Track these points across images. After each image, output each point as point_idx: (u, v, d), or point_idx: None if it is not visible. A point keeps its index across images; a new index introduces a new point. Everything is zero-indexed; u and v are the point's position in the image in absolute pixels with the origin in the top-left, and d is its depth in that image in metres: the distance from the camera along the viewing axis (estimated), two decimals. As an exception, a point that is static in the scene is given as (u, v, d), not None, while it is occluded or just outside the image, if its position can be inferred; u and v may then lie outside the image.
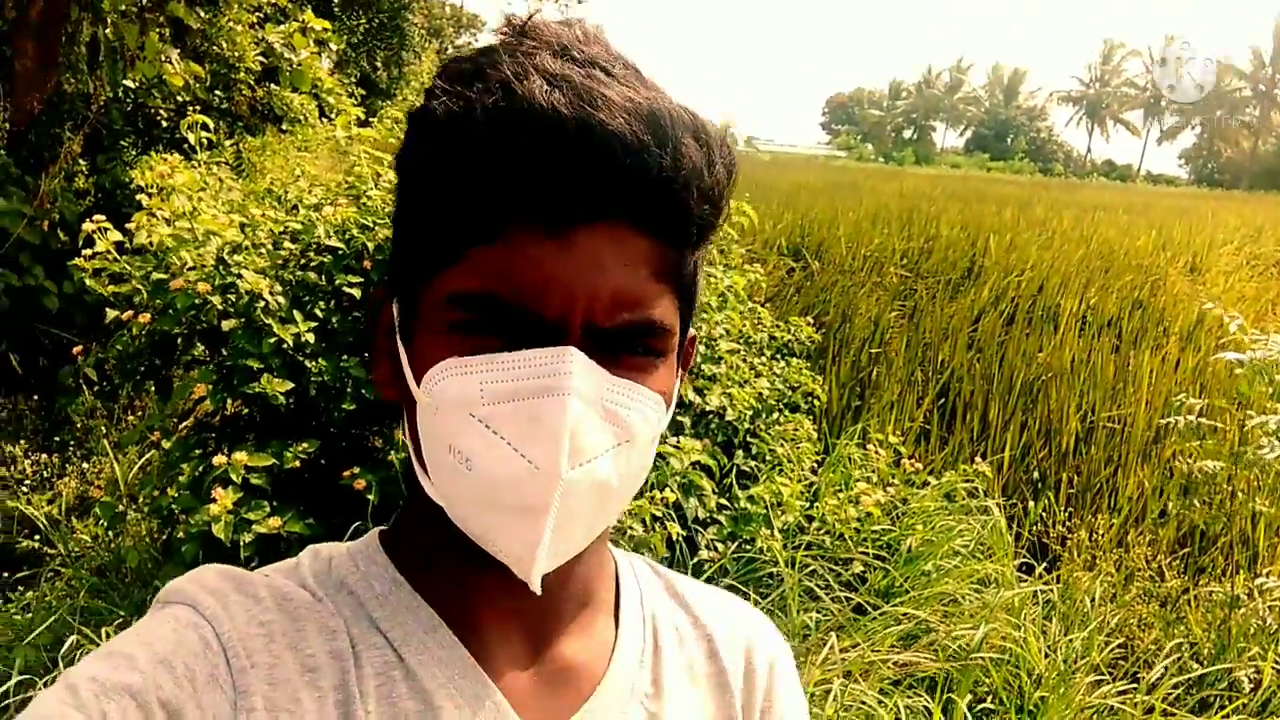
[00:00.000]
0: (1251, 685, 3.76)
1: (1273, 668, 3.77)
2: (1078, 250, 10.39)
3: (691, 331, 0.72)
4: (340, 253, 3.24)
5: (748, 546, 3.62)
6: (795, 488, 3.66)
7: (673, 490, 3.44)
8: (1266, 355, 4.43)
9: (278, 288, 3.05)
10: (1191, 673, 3.81)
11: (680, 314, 0.64)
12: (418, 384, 0.60)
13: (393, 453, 3.10)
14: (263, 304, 3.01)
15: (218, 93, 8.04)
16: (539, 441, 0.56)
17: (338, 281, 3.18)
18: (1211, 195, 37.61)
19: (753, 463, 4.09)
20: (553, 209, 0.56)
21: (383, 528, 0.71)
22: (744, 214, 4.33)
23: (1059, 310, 7.83)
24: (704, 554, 3.52)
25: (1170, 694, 3.64)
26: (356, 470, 3.05)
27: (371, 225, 3.29)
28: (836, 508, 3.82)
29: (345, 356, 3.17)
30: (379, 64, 16.97)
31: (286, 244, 3.27)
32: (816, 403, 4.89)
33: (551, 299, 0.57)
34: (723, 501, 3.75)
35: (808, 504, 3.97)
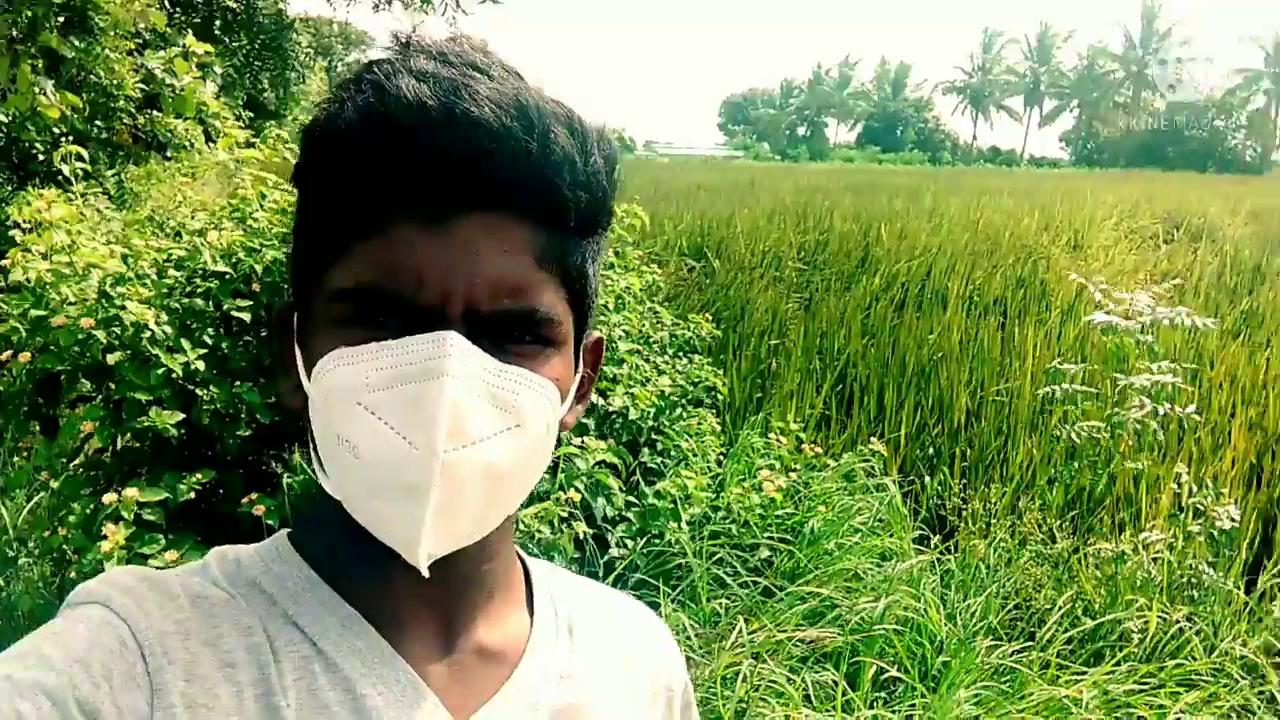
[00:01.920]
0: (1139, 634, 3.99)
1: (1158, 616, 4.00)
2: (964, 235, 10.77)
3: (597, 333, 0.74)
4: (228, 276, 3.21)
5: (657, 540, 3.70)
6: (700, 480, 3.75)
7: (580, 490, 3.50)
8: (1132, 319, 4.69)
9: (164, 317, 3.01)
10: (1084, 627, 4.02)
11: (570, 304, 0.65)
12: (309, 380, 0.62)
13: (288, 476, 3.08)
14: (149, 334, 2.96)
15: (98, 122, 7.80)
16: (419, 423, 0.57)
17: (226, 306, 3.15)
18: (1091, 175, 39.27)
19: (659, 459, 4.17)
20: (427, 199, 0.58)
21: (289, 529, 0.72)
22: (636, 216, 4.41)
23: (947, 292, 8.12)
24: (614, 551, 3.59)
25: (1064, 649, 3.84)
26: (255, 497, 3.03)
27: (258, 247, 3.27)
28: (741, 496, 3.92)
29: (238, 382, 3.14)
30: (265, 85, 16.64)
31: (171, 272, 3.22)
32: (719, 396, 5.00)
33: (430, 287, 0.58)
34: (631, 499, 3.82)
35: (714, 495, 4.06)
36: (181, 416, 2.98)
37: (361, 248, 0.59)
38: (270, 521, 2.97)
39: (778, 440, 4.61)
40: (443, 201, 0.58)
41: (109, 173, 7.42)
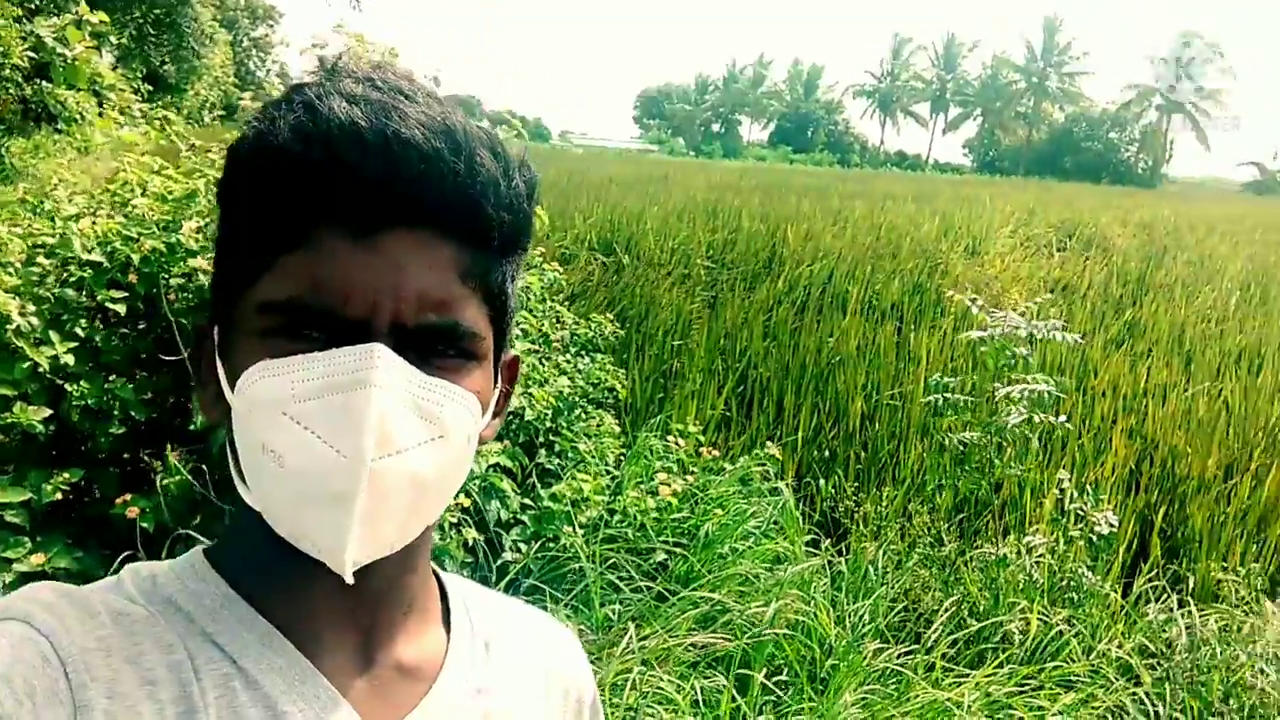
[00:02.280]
0: (1021, 636, 4.11)
1: (1039, 619, 4.14)
2: (867, 238, 10.97)
3: (514, 352, 0.77)
4: (102, 266, 3.05)
5: (552, 545, 3.67)
6: (595, 483, 3.73)
7: (472, 494, 3.44)
8: (1002, 331, 4.87)
9: (30, 307, 2.85)
10: (968, 629, 4.13)
11: (491, 321, 0.67)
12: (233, 392, 0.63)
13: (164, 476, 2.95)
14: (14, 326, 2.80)
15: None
16: (346, 431, 0.58)
17: (100, 297, 3.00)
18: (992, 182, 40.47)
19: (556, 461, 4.13)
20: (356, 215, 0.60)
21: (205, 546, 0.72)
22: (537, 216, 4.35)
23: (847, 297, 8.26)
24: (508, 555, 3.54)
25: (948, 651, 3.93)
26: (129, 497, 2.90)
27: (136, 236, 3.12)
28: (637, 499, 3.91)
29: (112, 377, 2.99)
30: (165, 59, 15.99)
31: (40, 259, 3.05)
32: (620, 396, 4.98)
33: (357, 300, 0.60)
34: (526, 501, 3.77)
35: (611, 498, 4.04)
36: (49, 413, 2.83)
37: (289, 262, 0.61)
38: (144, 524, 2.84)
39: (676, 442, 4.61)
40: (371, 218, 0.60)
41: (-11, 147, 7.02)
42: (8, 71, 7.51)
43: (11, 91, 7.73)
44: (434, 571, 0.79)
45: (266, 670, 0.64)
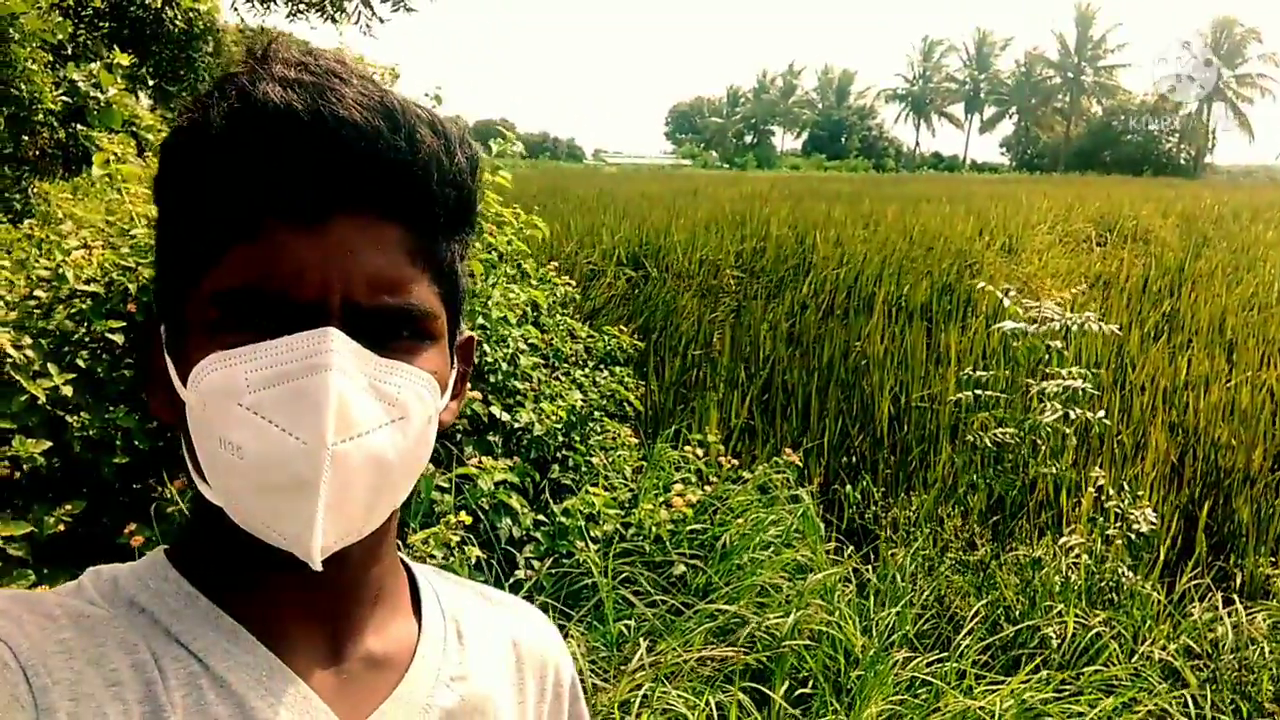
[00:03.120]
0: (1058, 640, 3.97)
1: (1076, 621, 3.99)
2: (899, 240, 10.83)
3: (470, 333, 0.76)
4: (100, 296, 3.06)
5: (566, 561, 3.60)
6: (605, 497, 3.66)
7: (481, 512, 3.39)
8: (1042, 325, 4.71)
9: (26, 340, 2.86)
10: (1002, 633, 3.99)
11: (443, 300, 0.66)
12: (185, 388, 0.61)
13: (171, 506, 2.94)
14: (11, 360, 2.81)
15: (24, 138, 7.52)
16: (304, 417, 0.57)
17: (98, 328, 3.00)
18: (1029, 179, 39.92)
19: (570, 476, 4.07)
20: (299, 200, 0.59)
21: (166, 546, 0.71)
22: (535, 227, 4.31)
23: (873, 299, 8.12)
24: (521, 573, 3.48)
25: (980, 658, 3.80)
26: (134, 527, 2.89)
27: (134, 265, 3.12)
28: (652, 512, 3.84)
29: (112, 407, 2.99)
30: (187, 95, 16.27)
31: (39, 292, 3.07)
32: (635, 408, 4.91)
33: (308, 285, 0.59)
34: (540, 518, 3.71)
35: (626, 511, 3.97)
36: (49, 445, 2.83)
37: (234, 251, 0.60)
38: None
39: (694, 453, 4.53)
40: (315, 202, 0.59)
41: (15, 191, 7.15)
42: (41, 116, 7.65)
43: (45, 135, 7.88)
44: (402, 561, 0.78)
45: (234, 667, 0.63)
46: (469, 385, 0.81)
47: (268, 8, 7.53)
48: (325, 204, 0.59)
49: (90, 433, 2.94)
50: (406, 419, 0.62)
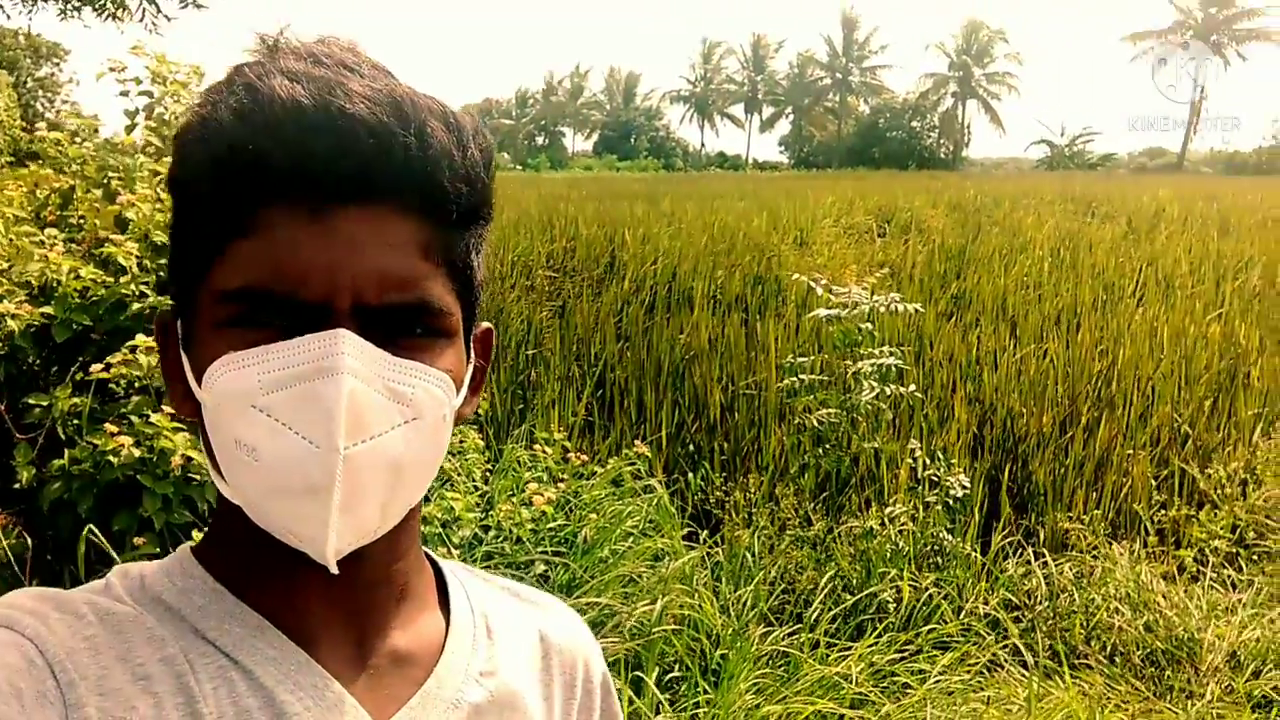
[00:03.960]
0: (895, 604, 4.25)
1: (909, 585, 4.28)
2: (702, 236, 11.17)
3: (486, 324, 0.75)
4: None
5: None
6: (465, 500, 3.62)
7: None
8: (849, 310, 5.04)
9: None
10: (845, 603, 4.23)
11: (458, 295, 0.66)
12: (200, 387, 0.61)
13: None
14: None
15: None
16: (316, 420, 0.57)
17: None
18: (810, 176, 41.97)
19: (421, 483, 3.99)
20: (306, 196, 0.58)
21: (192, 544, 0.71)
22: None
23: (692, 293, 8.37)
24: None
25: (830, 627, 4.02)
26: None
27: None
28: (511, 512, 3.82)
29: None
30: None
31: None
32: (480, 412, 4.86)
33: (316, 284, 0.58)
34: (394, 528, 3.62)
35: (483, 514, 3.94)
36: None
37: (242, 248, 0.59)
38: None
39: (543, 451, 4.54)
40: (322, 198, 0.59)
41: None
42: None
43: None
44: (428, 556, 0.78)
45: (261, 662, 0.63)
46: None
47: (35, 6, 6.88)
48: (330, 200, 0.59)
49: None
50: (420, 419, 0.62)
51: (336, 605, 0.67)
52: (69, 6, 6.76)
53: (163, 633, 0.62)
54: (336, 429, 0.57)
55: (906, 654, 3.83)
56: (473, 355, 0.72)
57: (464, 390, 0.68)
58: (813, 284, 5.93)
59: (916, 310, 5.59)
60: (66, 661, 0.58)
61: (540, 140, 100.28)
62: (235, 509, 0.63)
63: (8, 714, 0.53)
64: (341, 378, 0.57)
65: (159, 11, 6.91)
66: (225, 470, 0.62)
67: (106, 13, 6.82)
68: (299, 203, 0.59)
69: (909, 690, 3.56)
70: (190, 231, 0.64)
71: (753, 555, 4.36)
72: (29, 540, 2.92)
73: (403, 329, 0.62)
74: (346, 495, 0.58)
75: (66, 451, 2.83)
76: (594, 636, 0.88)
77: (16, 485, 2.84)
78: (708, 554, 4.30)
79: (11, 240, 3.23)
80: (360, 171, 0.59)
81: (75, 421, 2.95)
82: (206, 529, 0.72)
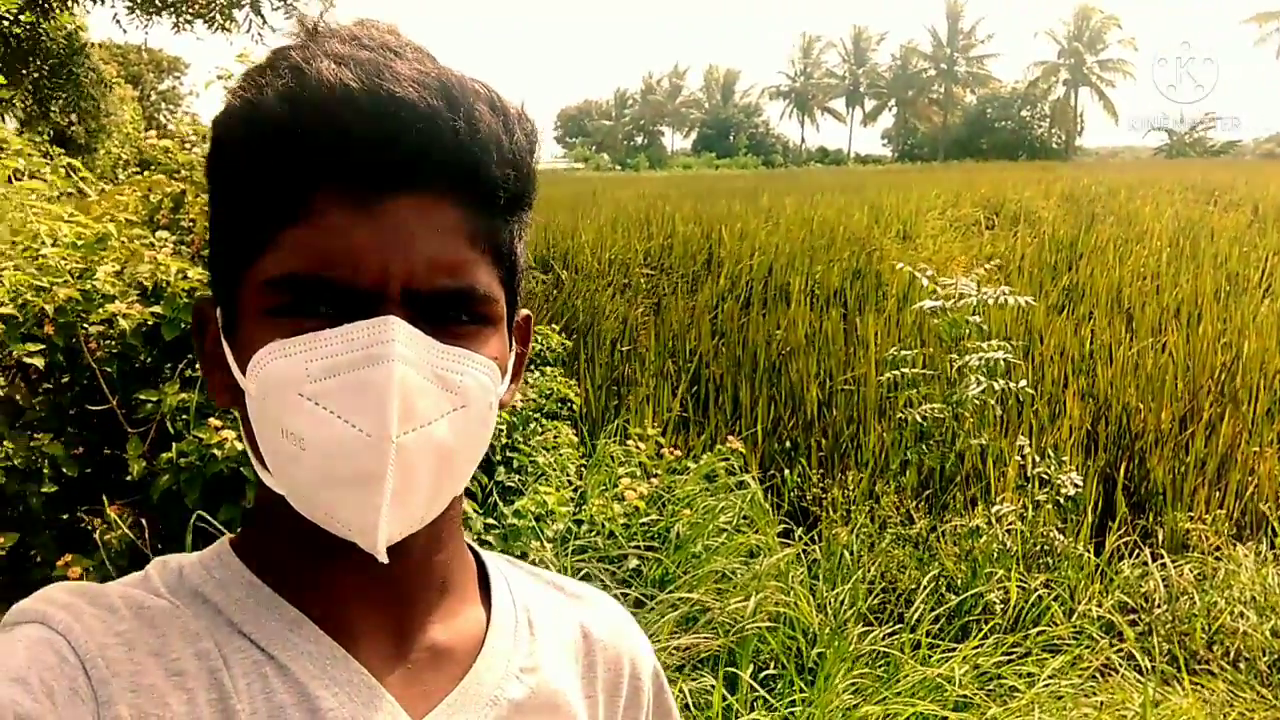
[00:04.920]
0: (1002, 605, 4.09)
1: (1018, 586, 4.12)
2: (801, 231, 11.02)
3: (526, 311, 0.74)
4: (14, 319, 2.88)
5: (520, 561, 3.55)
6: (558, 495, 3.62)
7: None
8: (955, 302, 4.86)
9: (-61, 368, 2.67)
10: (948, 603, 4.09)
11: (502, 282, 0.65)
12: (244, 375, 0.60)
13: (104, 533, 2.79)
14: (-77, 388, 2.63)
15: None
16: (368, 409, 0.56)
17: (15, 351, 2.83)
18: (914, 169, 41.15)
19: (516, 477, 4.02)
20: (356, 182, 0.57)
21: (232, 535, 0.70)
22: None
23: (789, 288, 8.25)
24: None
25: (933, 628, 3.89)
26: (70, 558, 2.74)
27: (48, 285, 2.95)
28: (603, 507, 3.81)
29: (36, 435, 2.83)
30: (70, 117, 15.54)
31: (-54, 317, 2.87)
32: (574, 407, 4.88)
33: (366, 270, 0.57)
34: (490, 521, 3.65)
35: (576, 508, 3.94)
36: (-29, 477, 2.66)
37: (290, 235, 0.58)
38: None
39: (636, 446, 4.52)
40: (373, 184, 0.57)
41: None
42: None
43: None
44: (471, 549, 0.77)
45: (296, 656, 0.62)
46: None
47: (151, 20, 7.21)
48: (381, 186, 0.58)
49: (14, 462, 2.77)
50: (468, 406, 0.61)
51: (376, 598, 0.66)
52: (181, 20, 7.06)
53: (198, 627, 0.62)
54: (389, 417, 0.56)
55: (1014, 656, 3.68)
56: (514, 342, 0.70)
57: (507, 378, 0.67)
58: (917, 274, 5.76)
59: (1027, 303, 5.37)
60: (98, 657, 0.57)
61: (639, 140, 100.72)
62: (275, 500, 0.63)
63: (39, 712, 0.53)
64: (393, 365, 0.56)
65: (264, 22, 7.17)
66: (270, 460, 0.61)
67: (216, 24, 7.10)
68: (347, 189, 0.57)
69: (1016, 694, 3.42)
70: (234, 218, 0.63)
71: (851, 553, 4.26)
72: (145, 528, 3.03)
73: (449, 316, 0.61)
74: (398, 484, 0.57)
75: (175, 445, 2.92)
76: (644, 633, 0.85)
77: (129, 477, 2.95)
78: (804, 551, 4.22)
79: (124, 243, 3.36)
80: (410, 157, 0.58)
81: (184, 416, 3.04)
82: (246, 522, 0.71)
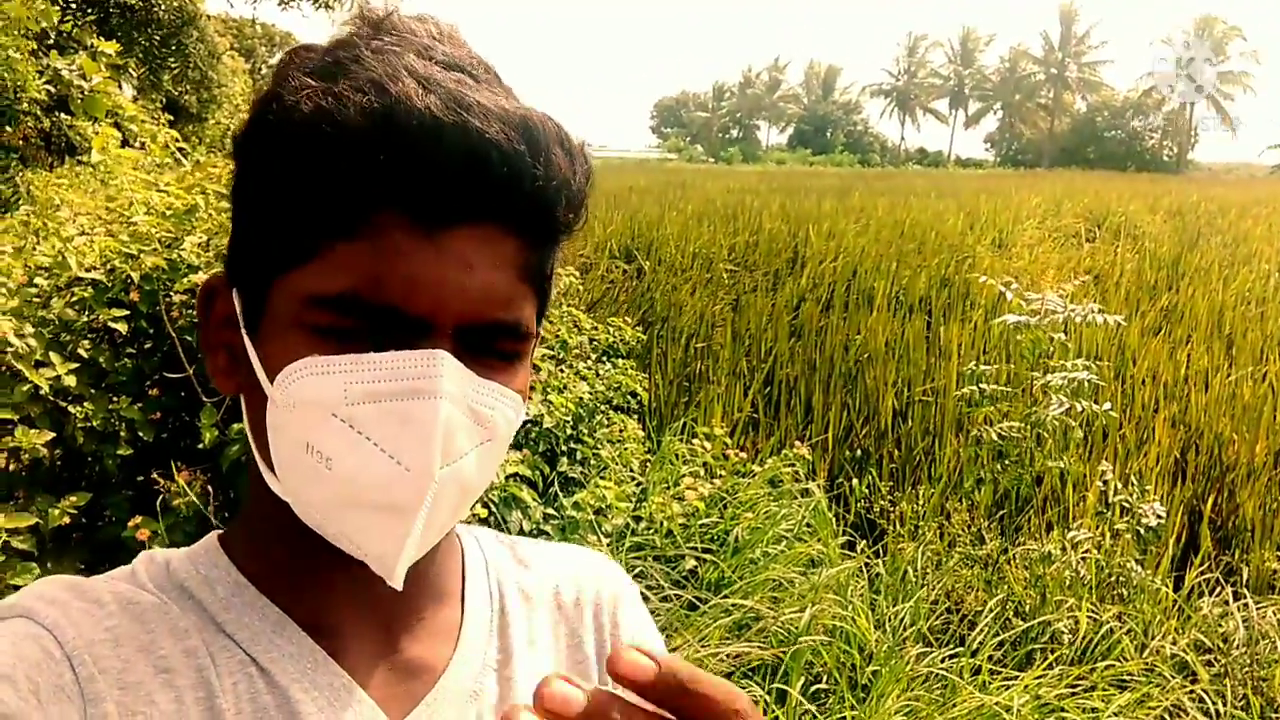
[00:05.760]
0: (1070, 635, 3.94)
1: (1088, 616, 3.96)
2: (891, 234, 10.81)
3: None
4: (102, 285, 2.98)
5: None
6: (617, 490, 3.61)
7: (491, 505, 3.33)
8: (1045, 317, 4.68)
9: (28, 329, 2.77)
10: (1014, 629, 3.96)
11: (537, 314, 0.65)
12: (270, 380, 0.59)
13: (174, 498, 2.86)
14: (13, 349, 2.72)
15: (6, 128, 7.37)
16: (410, 443, 0.56)
17: (101, 316, 2.92)
18: (1016, 175, 40.08)
19: (579, 469, 4.02)
20: (425, 210, 0.57)
21: (220, 530, 0.70)
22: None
23: (873, 292, 8.09)
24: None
25: (995, 654, 3.77)
26: (139, 520, 2.82)
27: (136, 253, 3.04)
28: (663, 505, 3.79)
29: (115, 398, 2.91)
30: (185, 89, 16.10)
31: (39, 280, 2.98)
32: (641, 401, 4.86)
33: (421, 298, 0.57)
34: (549, 511, 3.65)
35: (636, 504, 3.92)
36: (52, 435, 2.75)
37: (342, 250, 0.57)
38: (157, 547, 2.75)
39: (702, 446, 4.48)
40: (441, 212, 0.57)
41: (3, 180, 7.01)
42: (25, 105, 7.50)
43: (30, 124, 7.73)
44: (456, 536, 0.77)
45: (277, 659, 0.63)
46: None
47: (257, -1, 7.38)
48: (449, 217, 0.57)
49: (93, 423, 2.86)
50: (493, 440, 0.61)
51: (363, 604, 0.67)
52: (287, -3, 7.23)
53: (186, 623, 0.62)
54: (433, 455, 0.56)
55: (1078, 690, 3.55)
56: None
57: (525, 406, 0.67)
58: (1002, 288, 5.59)
59: (1117, 323, 5.16)
60: (85, 654, 0.57)
61: (734, 133, 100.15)
62: (271, 501, 0.63)
63: (25, 710, 0.52)
64: (439, 402, 0.56)
65: (368, 0, 7.26)
66: (283, 469, 0.60)
67: (320, 2, 7.25)
68: (415, 214, 0.57)
69: (1077, 730, 3.29)
70: (276, 215, 0.61)
71: (915, 570, 4.15)
72: (211, 495, 3.11)
73: (489, 349, 0.60)
74: (427, 517, 0.57)
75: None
76: (615, 563, 0.85)
77: (200, 445, 3.02)
78: (866, 565, 4.13)
79: (212, 215, 3.44)
80: (485, 193, 0.57)
81: (257, 388, 3.11)
82: (238, 517, 0.71)
